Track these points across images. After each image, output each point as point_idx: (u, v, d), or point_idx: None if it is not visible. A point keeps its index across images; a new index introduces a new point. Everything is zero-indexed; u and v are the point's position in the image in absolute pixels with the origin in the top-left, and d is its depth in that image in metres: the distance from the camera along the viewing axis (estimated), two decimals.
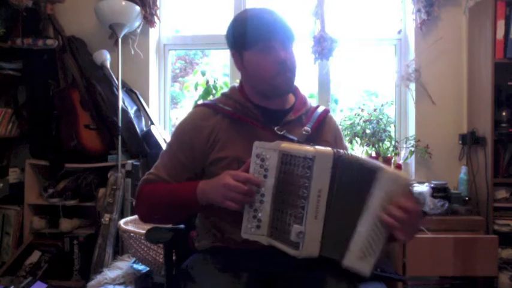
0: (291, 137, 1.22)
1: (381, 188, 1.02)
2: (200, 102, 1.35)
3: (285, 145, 1.06)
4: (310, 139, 1.21)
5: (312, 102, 1.40)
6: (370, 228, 1.02)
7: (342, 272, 1.08)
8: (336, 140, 1.33)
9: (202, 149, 1.23)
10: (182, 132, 1.27)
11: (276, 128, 1.22)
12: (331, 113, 1.40)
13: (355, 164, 1.05)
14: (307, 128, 1.25)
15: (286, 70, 1.21)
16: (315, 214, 1.01)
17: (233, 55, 1.28)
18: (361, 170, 1.04)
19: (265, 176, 1.06)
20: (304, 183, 1.01)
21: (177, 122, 1.33)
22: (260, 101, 1.27)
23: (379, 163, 1.07)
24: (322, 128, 1.32)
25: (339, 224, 1.04)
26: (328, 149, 1.04)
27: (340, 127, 1.42)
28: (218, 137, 1.23)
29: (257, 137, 1.15)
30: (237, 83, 1.37)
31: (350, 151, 1.36)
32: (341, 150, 1.06)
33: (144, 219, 1.30)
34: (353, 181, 1.04)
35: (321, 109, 1.34)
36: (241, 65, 1.26)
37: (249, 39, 1.20)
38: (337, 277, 1.11)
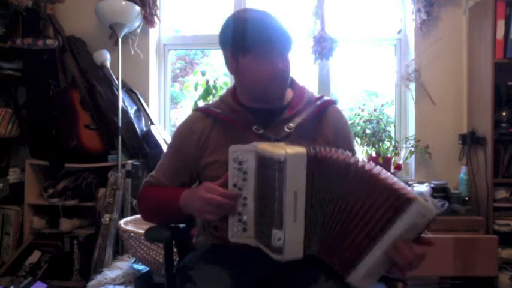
0: (269, 135, 1.19)
1: (407, 220, 0.96)
2: (198, 106, 1.36)
3: (261, 146, 1.04)
4: (297, 136, 1.18)
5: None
6: (381, 256, 0.98)
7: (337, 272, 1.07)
8: (336, 136, 1.25)
9: (193, 154, 1.25)
10: (176, 137, 1.32)
11: (254, 128, 1.20)
12: (336, 106, 1.31)
13: (345, 166, 1.00)
14: (291, 124, 1.21)
15: (280, 79, 1.19)
16: (293, 217, 0.98)
17: (226, 56, 1.24)
18: (385, 192, 0.97)
19: (244, 180, 1.05)
20: (279, 186, 0.98)
21: (177, 123, 1.37)
22: (251, 102, 1.25)
23: (412, 192, 0.98)
24: (320, 122, 1.26)
25: (327, 225, 1.02)
26: (302, 148, 0.99)
27: (347, 121, 1.34)
28: (208, 141, 1.24)
29: (244, 139, 1.14)
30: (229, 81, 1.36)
31: (353, 147, 1.31)
32: (319, 148, 1.01)
33: (145, 220, 1.37)
34: (346, 181, 1.00)
35: (321, 101, 1.27)
36: (235, 68, 1.22)
37: (247, 44, 1.17)
38: (334, 278, 1.09)
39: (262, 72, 1.17)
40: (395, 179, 1.01)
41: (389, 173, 1.03)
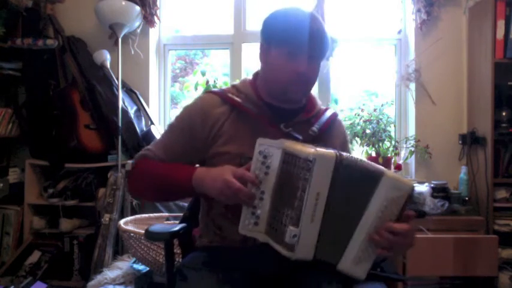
0: (297, 135, 1.19)
1: (381, 195, 0.99)
2: (210, 89, 1.31)
3: (289, 144, 1.04)
4: (317, 140, 1.18)
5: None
6: (365, 239, 1.01)
7: (339, 273, 1.07)
8: (342, 145, 1.30)
9: (204, 138, 1.20)
10: (188, 117, 1.24)
11: (282, 125, 1.19)
12: (339, 117, 1.36)
13: (358, 167, 1.02)
14: (315, 128, 1.22)
15: (302, 82, 1.18)
16: (311, 217, 0.99)
17: (261, 46, 1.23)
18: (363, 174, 1.01)
19: (266, 174, 1.05)
20: (303, 185, 0.98)
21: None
22: (270, 99, 1.24)
23: (382, 168, 1.02)
24: (330, 132, 1.29)
25: (337, 228, 1.03)
26: (331, 151, 1.00)
27: (347, 131, 1.39)
28: (223, 129, 1.20)
29: (263, 133, 1.13)
30: (247, 76, 1.34)
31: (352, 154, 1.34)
32: (344, 154, 1.02)
33: (134, 194, 1.31)
34: (354, 185, 1.01)
35: (329, 112, 1.31)
36: (265, 59, 1.22)
37: (280, 38, 1.17)
38: (334, 278, 1.10)
39: (286, 69, 1.16)
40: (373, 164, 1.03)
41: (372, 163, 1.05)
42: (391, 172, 1.02)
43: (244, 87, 1.26)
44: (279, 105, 1.24)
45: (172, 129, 1.26)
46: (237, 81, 1.34)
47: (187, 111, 1.25)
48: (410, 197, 1.03)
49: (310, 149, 0.99)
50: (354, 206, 1.02)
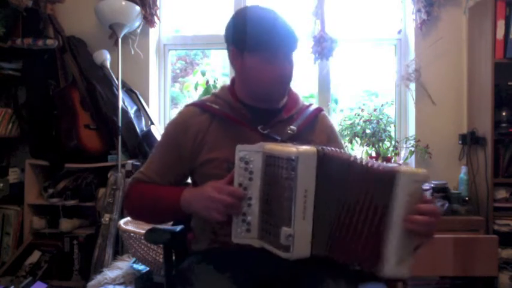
0: (275, 136, 1.20)
1: (403, 192, 0.98)
2: (189, 102, 1.34)
3: (269, 146, 1.05)
4: (297, 138, 1.19)
5: (312, 101, 1.39)
6: (401, 235, 1.00)
7: (340, 272, 1.07)
8: (329, 140, 1.30)
9: (189, 149, 1.23)
10: (170, 132, 1.28)
11: (259, 128, 1.21)
12: (325, 112, 1.36)
13: (342, 159, 1.03)
14: (293, 127, 1.23)
15: (284, 82, 1.22)
16: (302, 215, 0.99)
17: (231, 51, 1.23)
18: (369, 173, 1.00)
19: (250, 179, 1.05)
20: (289, 184, 0.98)
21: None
22: (250, 101, 1.26)
23: (392, 166, 1.02)
24: (313, 127, 1.30)
25: (334, 225, 1.03)
26: (312, 147, 1.01)
27: (335, 126, 1.39)
28: (206, 137, 1.22)
29: (244, 137, 1.15)
30: (228, 82, 1.35)
31: (345, 149, 1.35)
32: (326, 148, 1.03)
33: (132, 217, 1.33)
34: (357, 183, 1.01)
35: (312, 108, 1.32)
36: (240, 64, 1.22)
37: (256, 43, 1.17)
38: (336, 277, 1.10)
39: (268, 73, 1.18)
40: (381, 163, 1.04)
41: (380, 162, 1.05)
42: (403, 167, 1.01)
43: (223, 93, 1.29)
44: (260, 106, 1.25)
45: (160, 147, 1.29)
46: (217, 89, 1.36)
47: (171, 127, 1.29)
48: (427, 182, 1.03)
49: (291, 148, 1.00)
50: (373, 205, 1.00)
